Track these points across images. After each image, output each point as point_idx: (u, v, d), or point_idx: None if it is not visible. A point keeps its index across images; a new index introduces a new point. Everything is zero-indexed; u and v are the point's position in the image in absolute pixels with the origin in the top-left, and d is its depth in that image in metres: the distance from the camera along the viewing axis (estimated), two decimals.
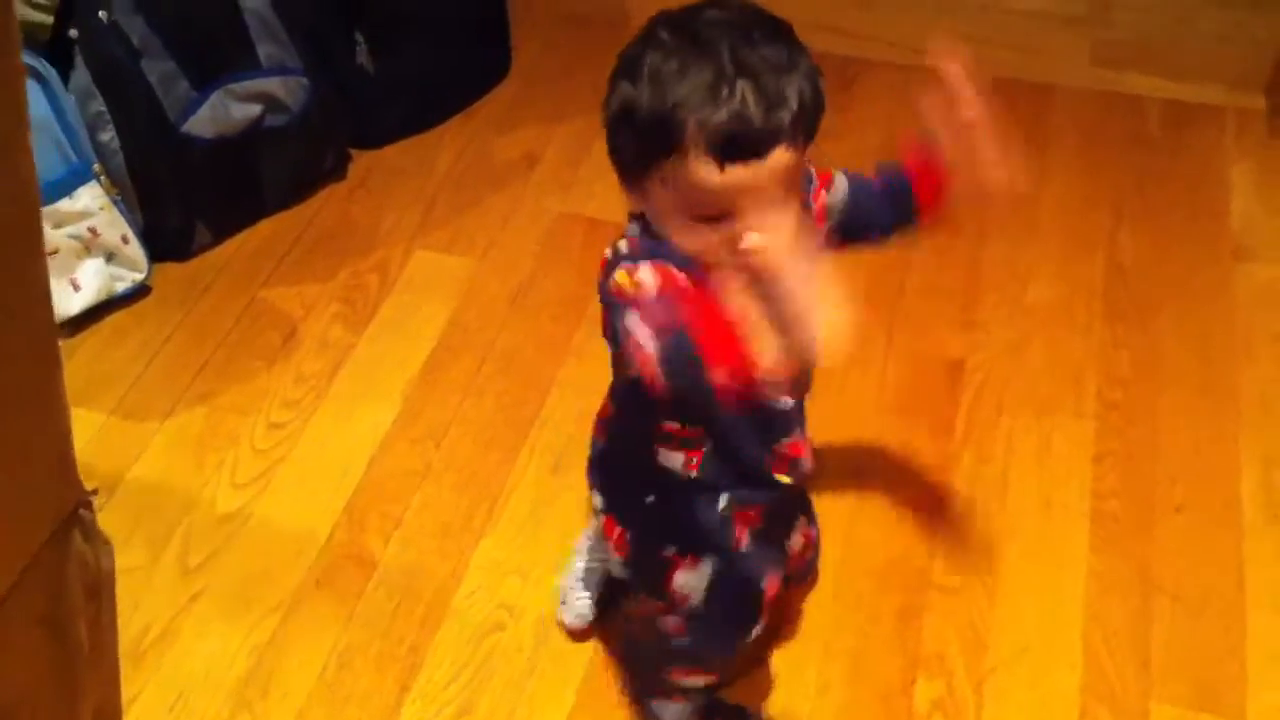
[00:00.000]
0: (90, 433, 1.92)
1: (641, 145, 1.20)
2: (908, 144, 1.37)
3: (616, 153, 1.25)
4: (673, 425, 1.38)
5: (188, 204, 2.19)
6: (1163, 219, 2.29)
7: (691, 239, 1.22)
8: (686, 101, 1.15)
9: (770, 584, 1.44)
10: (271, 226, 2.29)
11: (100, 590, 1.14)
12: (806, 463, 1.49)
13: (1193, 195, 2.34)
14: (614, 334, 1.27)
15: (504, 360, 2.04)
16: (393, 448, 1.90)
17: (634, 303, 1.22)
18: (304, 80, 2.23)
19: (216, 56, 2.14)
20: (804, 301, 1.05)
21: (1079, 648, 1.65)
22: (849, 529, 1.77)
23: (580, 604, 1.67)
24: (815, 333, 1.05)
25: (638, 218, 1.30)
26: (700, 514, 1.42)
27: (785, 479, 1.50)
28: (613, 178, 2.35)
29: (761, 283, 1.07)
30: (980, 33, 2.62)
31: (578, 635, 1.67)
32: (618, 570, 1.64)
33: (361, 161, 2.42)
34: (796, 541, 1.60)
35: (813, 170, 1.36)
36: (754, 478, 1.45)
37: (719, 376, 1.11)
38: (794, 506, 1.57)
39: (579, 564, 1.71)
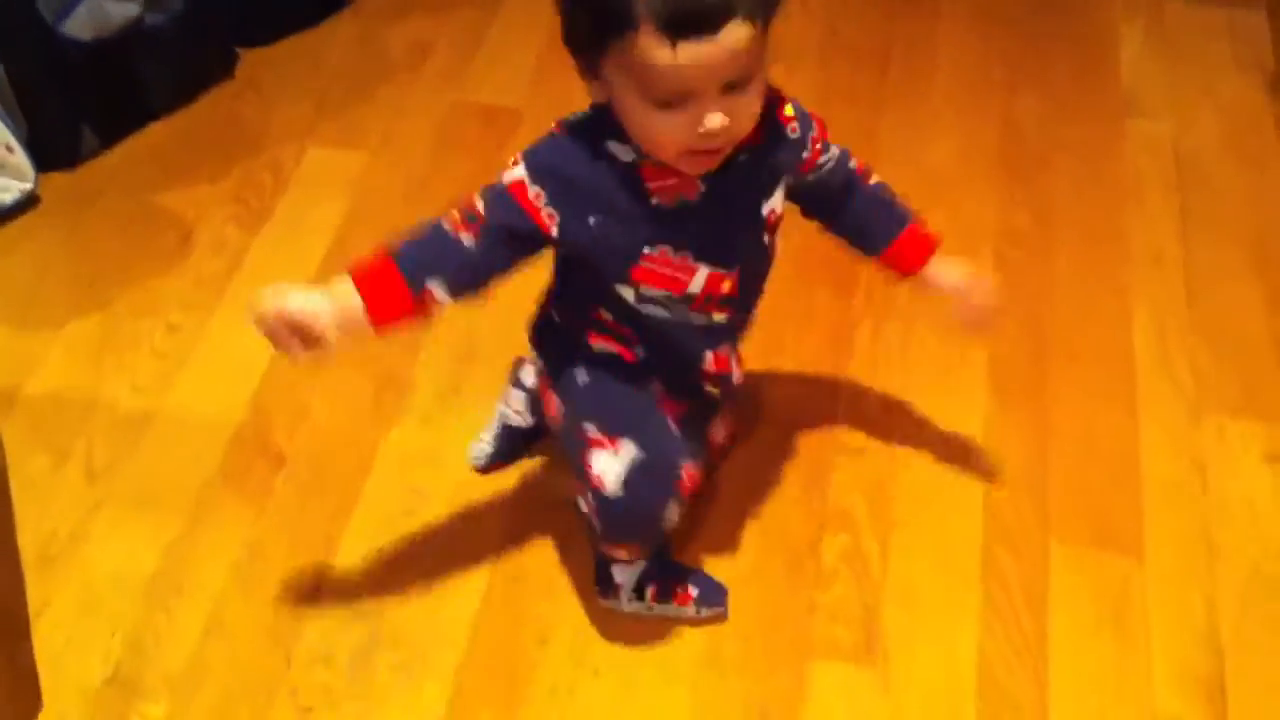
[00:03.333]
0: None
1: (593, 29, 1.19)
2: (926, 229, 1.51)
3: (569, 41, 1.24)
4: (606, 316, 1.38)
5: (71, 109, 2.14)
6: (1055, 79, 2.31)
7: (653, 128, 1.22)
8: None
9: (688, 472, 1.44)
10: (160, 130, 2.25)
11: None
12: (733, 378, 1.51)
13: (1084, 54, 2.37)
14: None
15: None
16: None
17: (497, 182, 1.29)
18: None
19: None
20: None
21: (979, 495, 1.68)
22: (755, 398, 1.79)
23: (481, 445, 1.73)
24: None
25: (597, 108, 1.29)
26: (630, 396, 1.43)
27: (713, 390, 1.51)
28: (506, 64, 2.37)
29: None
30: None
31: (478, 471, 1.73)
32: (514, 420, 1.71)
33: (249, 59, 2.37)
34: (718, 432, 1.62)
35: (811, 118, 1.38)
36: (685, 381, 1.46)
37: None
38: (719, 402, 1.58)
39: (496, 407, 1.74)
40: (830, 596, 1.59)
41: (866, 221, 1.50)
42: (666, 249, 1.32)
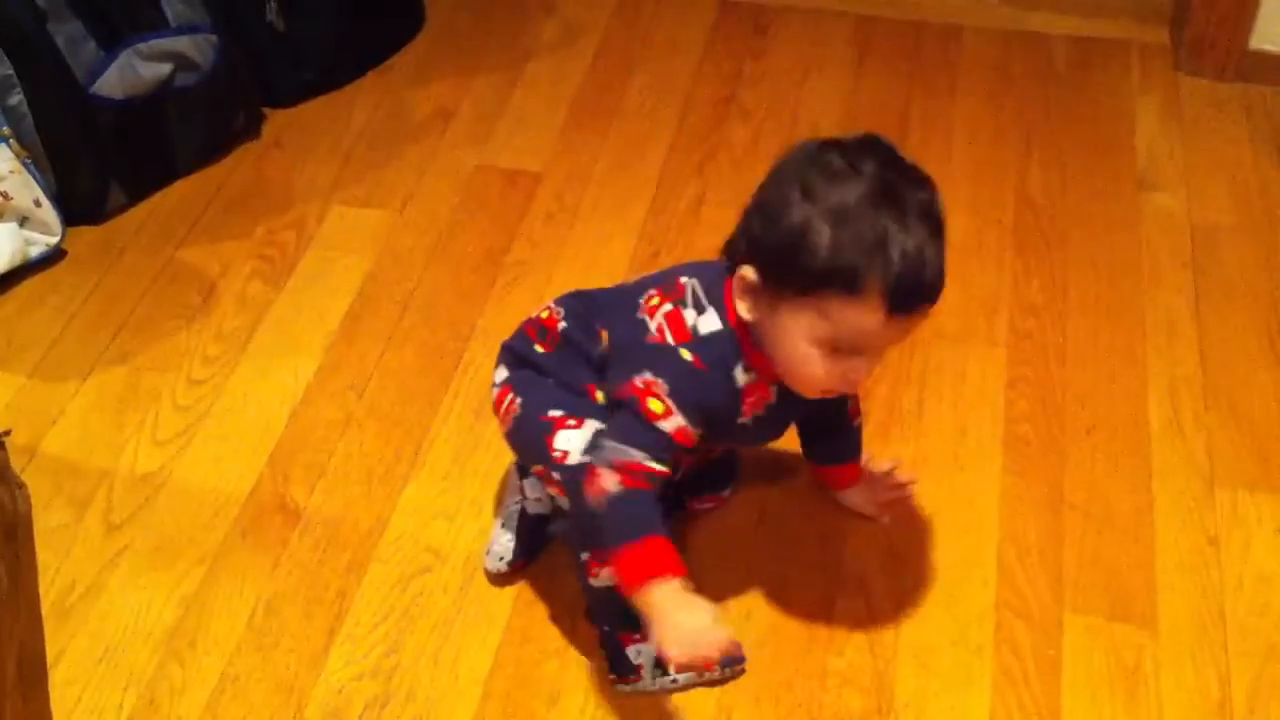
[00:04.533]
0: (9, 396, 1.91)
1: (815, 276, 1.26)
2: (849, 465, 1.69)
3: (774, 268, 1.30)
4: (599, 396, 1.45)
5: (100, 165, 2.18)
6: (1070, 152, 2.33)
7: (810, 368, 1.31)
8: (875, 250, 1.22)
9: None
10: (186, 187, 2.28)
11: (18, 531, 1.15)
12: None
13: (1099, 129, 2.39)
14: (613, 390, 1.39)
15: (424, 311, 2.04)
16: (314, 400, 1.91)
17: (639, 419, 1.34)
18: (213, 38, 2.22)
19: (124, 16, 2.13)
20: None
21: (993, 565, 1.68)
22: (769, 462, 1.80)
23: (499, 546, 1.68)
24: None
25: (729, 328, 1.37)
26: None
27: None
28: (528, 129, 2.40)
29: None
30: None
31: (499, 580, 1.68)
32: (533, 507, 1.68)
33: (275, 119, 2.41)
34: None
35: None
36: None
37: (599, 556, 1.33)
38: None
39: (501, 512, 1.72)
40: (843, 662, 1.59)
41: (829, 445, 1.68)
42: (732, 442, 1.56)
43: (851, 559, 1.70)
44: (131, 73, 2.13)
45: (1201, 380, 1.92)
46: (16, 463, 1.77)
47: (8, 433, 1.12)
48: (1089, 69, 2.52)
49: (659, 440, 1.34)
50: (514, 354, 1.56)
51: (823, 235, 1.24)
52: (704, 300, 1.39)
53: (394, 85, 2.50)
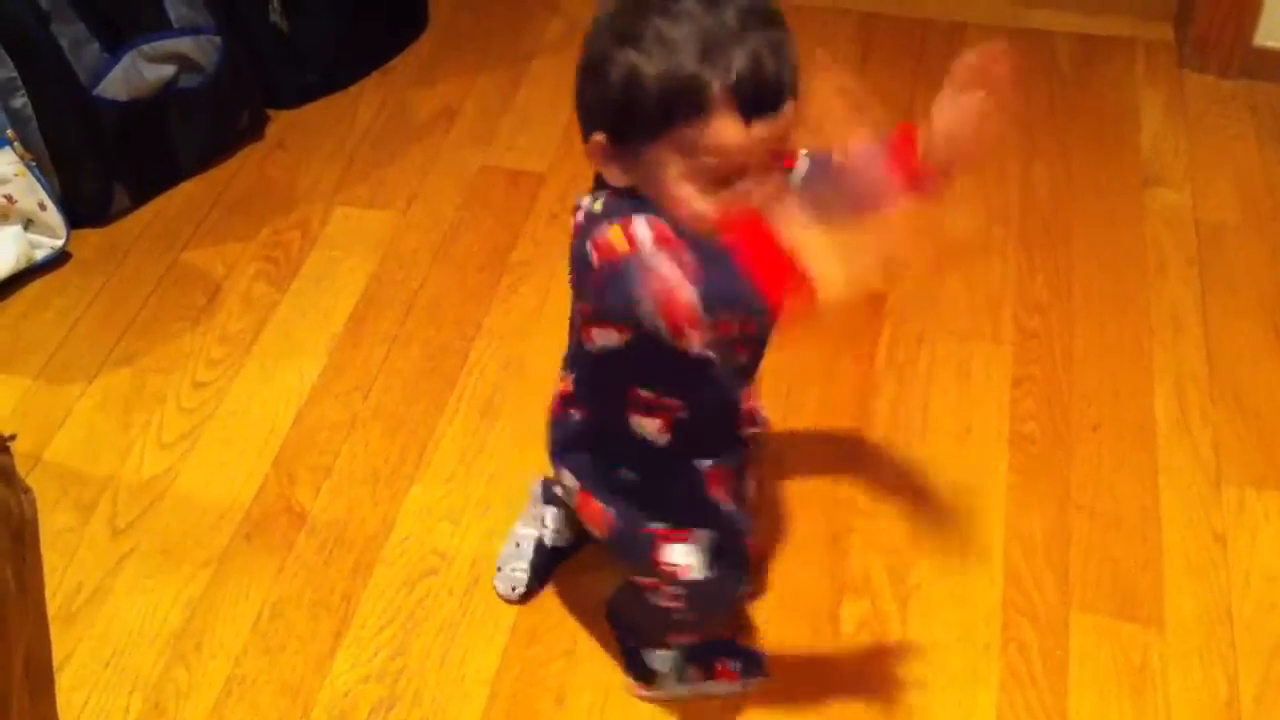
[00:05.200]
0: (15, 399, 1.91)
1: (657, 112, 1.18)
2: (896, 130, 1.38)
3: (618, 124, 1.21)
4: (647, 392, 1.37)
5: (104, 168, 2.18)
6: (1075, 150, 2.33)
7: (699, 205, 1.22)
8: (706, 63, 1.15)
9: (750, 544, 1.47)
10: (190, 188, 2.28)
11: (24, 535, 1.14)
12: (761, 413, 1.55)
13: (1103, 126, 2.38)
14: (603, 296, 1.24)
15: (429, 311, 2.04)
16: (319, 401, 1.91)
17: (635, 255, 1.20)
18: (216, 40, 2.22)
19: (127, 18, 2.13)
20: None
21: (1000, 564, 1.68)
22: (775, 460, 1.80)
23: (515, 575, 1.67)
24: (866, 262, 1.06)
25: (606, 189, 1.27)
26: (681, 488, 1.43)
27: (751, 428, 1.52)
28: (531, 129, 2.39)
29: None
30: None
31: (512, 603, 1.67)
32: (552, 539, 1.68)
33: (279, 120, 2.41)
34: (750, 488, 1.62)
35: None
36: (724, 438, 1.46)
37: (774, 301, 1.10)
38: (754, 447, 1.58)
39: (516, 531, 1.71)
40: (850, 662, 1.59)
41: (856, 181, 1.37)
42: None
43: (857, 558, 1.70)
44: (135, 74, 2.13)
45: (1207, 376, 1.92)
46: (22, 466, 1.76)
47: (13, 437, 1.12)
48: (1093, 66, 2.52)
49: (648, 247, 1.19)
50: (561, 439, 1.48)
51: (651, 69, 1.16)
52: (589, 194, 1.30)
53: (397, 86, 2.50)
